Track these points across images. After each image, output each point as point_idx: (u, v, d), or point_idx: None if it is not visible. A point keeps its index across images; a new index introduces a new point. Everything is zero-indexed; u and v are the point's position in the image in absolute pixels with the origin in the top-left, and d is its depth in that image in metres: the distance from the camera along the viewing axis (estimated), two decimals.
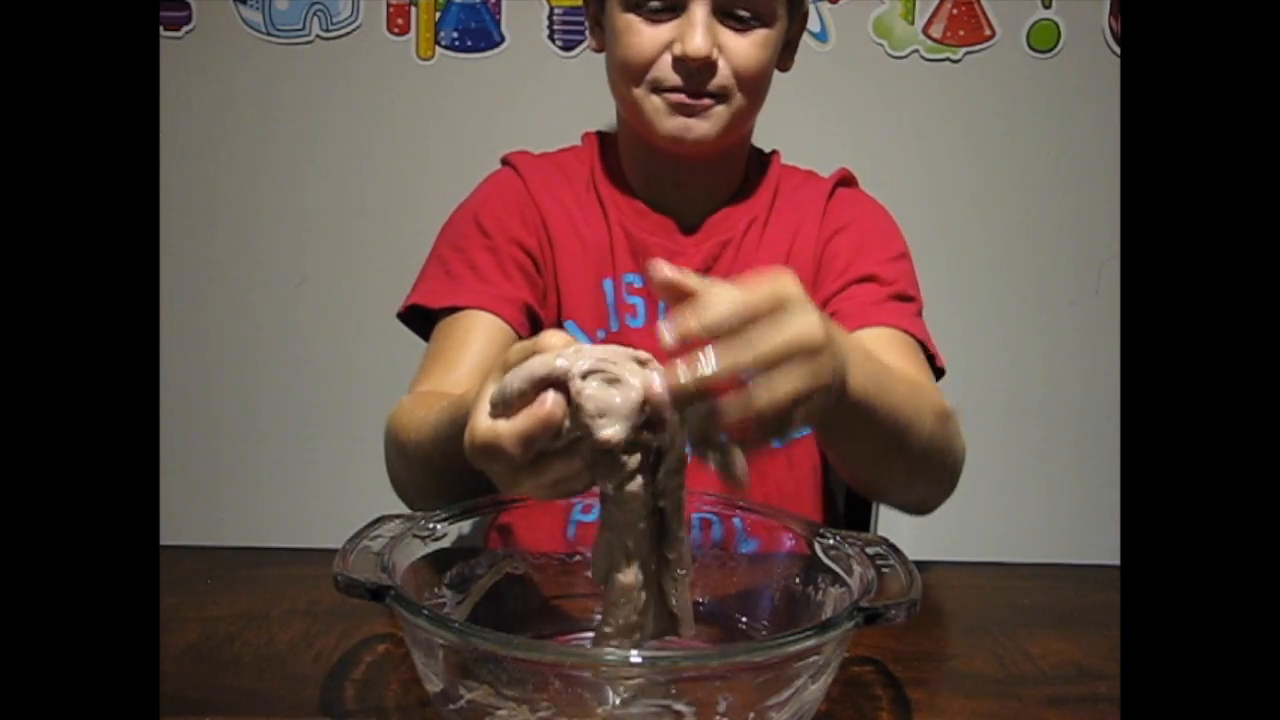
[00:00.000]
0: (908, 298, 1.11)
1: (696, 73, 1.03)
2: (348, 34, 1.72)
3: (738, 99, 1.06)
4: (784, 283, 0.65)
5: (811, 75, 1.71)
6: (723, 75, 1.04)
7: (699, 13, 1.02)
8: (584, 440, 0.64)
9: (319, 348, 1.80)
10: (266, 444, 1.82)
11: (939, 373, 1.10)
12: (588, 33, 1.16)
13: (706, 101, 1.05)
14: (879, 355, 0.93)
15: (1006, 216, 1.79)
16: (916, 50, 1.74)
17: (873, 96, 1.76)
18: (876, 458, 0.83)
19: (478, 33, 1.73)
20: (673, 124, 1.06)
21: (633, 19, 1.05)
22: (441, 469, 0.88)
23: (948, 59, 1.74)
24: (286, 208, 1.78)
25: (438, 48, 1.73)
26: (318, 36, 1.72)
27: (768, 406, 0.62)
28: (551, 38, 1.73)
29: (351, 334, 1.77)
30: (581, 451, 0.65)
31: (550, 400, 0.63)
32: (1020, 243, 1.80)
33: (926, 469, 0.91)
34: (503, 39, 1.73)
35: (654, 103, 1.06)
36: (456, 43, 1.73)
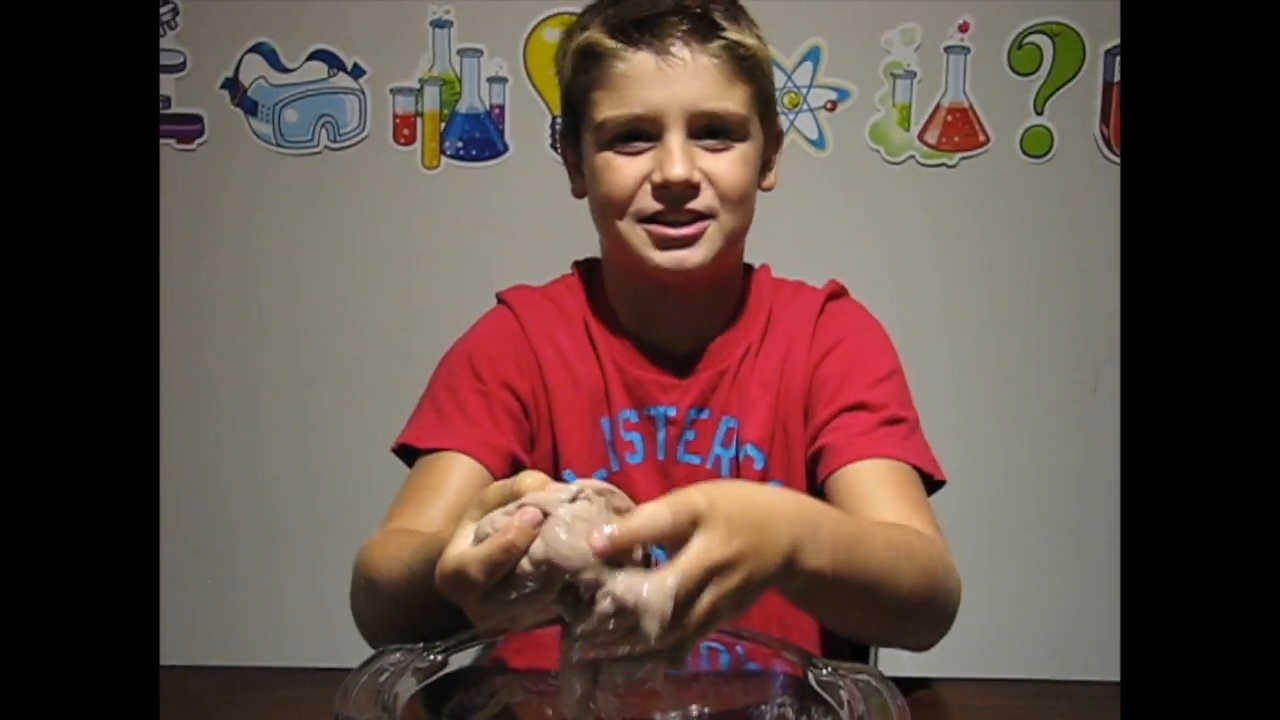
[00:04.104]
0: (898, 420, 1.09)
1: (678, 196, 1.04)
2: (355, 145, 1.75)
3: (725, 218, 1.06)
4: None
5: (809, 181, 1.73)
6: (706, 196, 1.04)
7: (674, 140, 1.03)
8: (551, 573, 0.66)
9: (325, 452, 1.81)
10: (276, 556, 1.83)
11: (940, 484, 1.11)
12: (569, 179, 1.15)
13: (693, 230, 1.05)
14: (865, 496, 0.98)
15: (1004, 318, 1.80)
16: (912, 156, 1.76)
17: (870, 202, 1.77)
18: (850, 619, 0.83)
19: (482, 142, 1.76)
20: (664, 257, 1.05)
21: (610, 156, 1.05)
22: (412, 607, 0.87)
23: (943, 164, 1.77)
24: (297, 314, 1.80)
25: (443, 157, 1.76)
26: (326, 147, 1.75)
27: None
28: (554, 146, 1.75)
29: (356, 441, 1.76)
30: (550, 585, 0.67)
31: (514, 528, 0.67)
32: (1018, 344, 1.81)
33: (910, 622, 0.90)
34: (506, 148, 1.76)
35: (640, 235, 1.06)
36: (461, 152, 1.76)
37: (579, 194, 1.13)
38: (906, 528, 0.94)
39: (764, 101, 1.09)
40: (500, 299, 1.18)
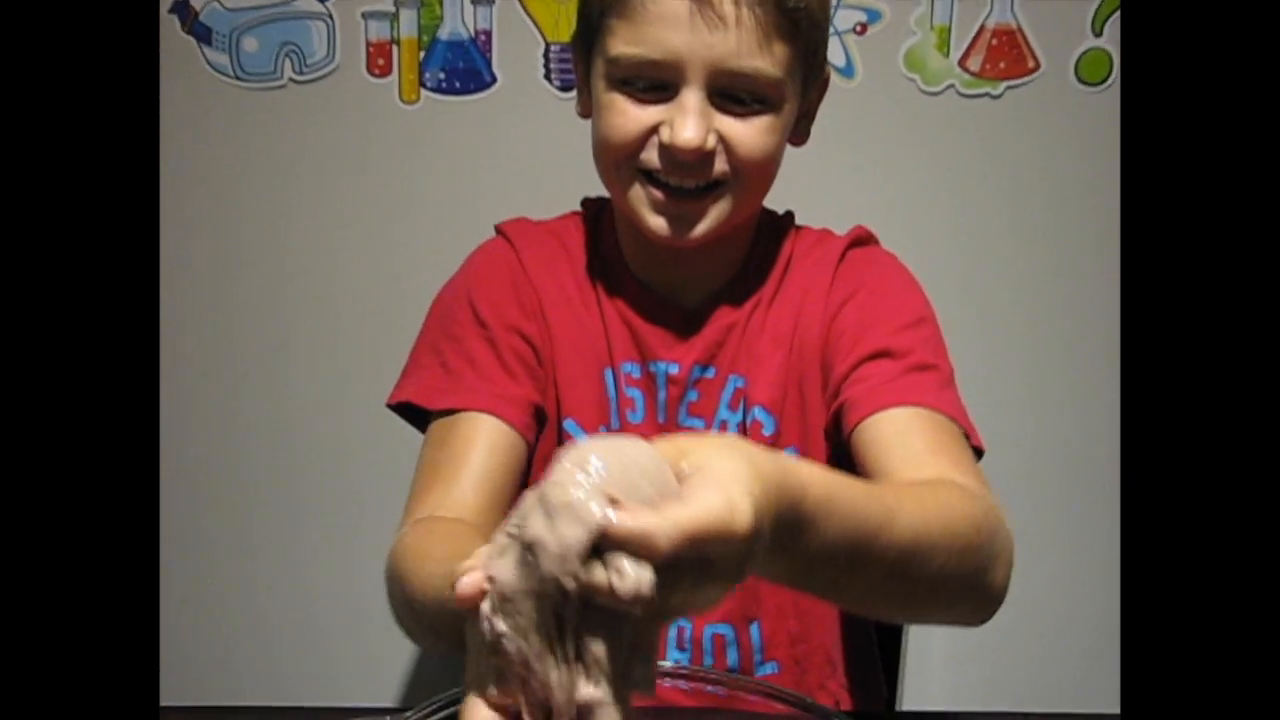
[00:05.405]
0: (928, 366, 0.97)
1: (688, 165, 0.93)
2: (324, 77, 1.61)
3: (738, 189, 0.96)
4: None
5: (837, 114, 1.55)
6: (720, 162, 0.94)
7: (691, 98, 0.91)
8: None
9: (303, 416, 1.69)
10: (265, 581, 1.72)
11: (977, 453, 0.97)
12: (576, 93, 1.04)
13: (698, 205, 0.95)
14: (894, 450, 0.89)
15: (1051, 265, 1.67)
16: (952, 85, 1.62)
17: (904, 136, 1.64)
18: (871, 603, 0.75)
19: (466, 73, 1.61)
20: (660, 224, 0.96)
21: (617, 97, 0.95)
22: (453, 640, 0.76)
23: (987, 94, 1.62)
24: (263, 267, 1.67)
25: (423, 90, 1.62)
26: (290, 80, 1.61)
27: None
28: (548, 77, 1.61)
29: (336, 407, 1.66)
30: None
31: None
32: (1068, 292, 1.67)
33: (953, 606, 0.81)
34: (494, 79, 1.62)
35: (638, 192, 0.96)
36: (443, 84, 1.62)
37: (584, 113, 1.03)
38: (946, 483, 0.84)
39: (809, 57, 0.97)
40: (498, 231, 1.10)
